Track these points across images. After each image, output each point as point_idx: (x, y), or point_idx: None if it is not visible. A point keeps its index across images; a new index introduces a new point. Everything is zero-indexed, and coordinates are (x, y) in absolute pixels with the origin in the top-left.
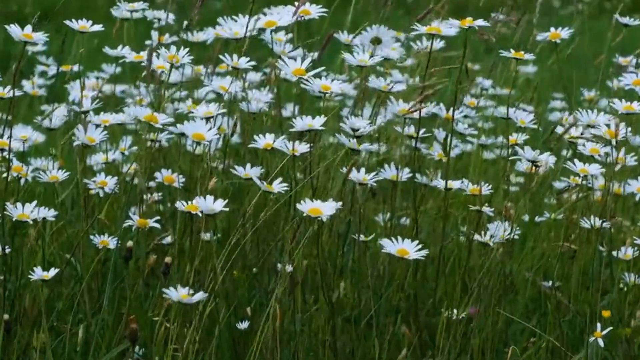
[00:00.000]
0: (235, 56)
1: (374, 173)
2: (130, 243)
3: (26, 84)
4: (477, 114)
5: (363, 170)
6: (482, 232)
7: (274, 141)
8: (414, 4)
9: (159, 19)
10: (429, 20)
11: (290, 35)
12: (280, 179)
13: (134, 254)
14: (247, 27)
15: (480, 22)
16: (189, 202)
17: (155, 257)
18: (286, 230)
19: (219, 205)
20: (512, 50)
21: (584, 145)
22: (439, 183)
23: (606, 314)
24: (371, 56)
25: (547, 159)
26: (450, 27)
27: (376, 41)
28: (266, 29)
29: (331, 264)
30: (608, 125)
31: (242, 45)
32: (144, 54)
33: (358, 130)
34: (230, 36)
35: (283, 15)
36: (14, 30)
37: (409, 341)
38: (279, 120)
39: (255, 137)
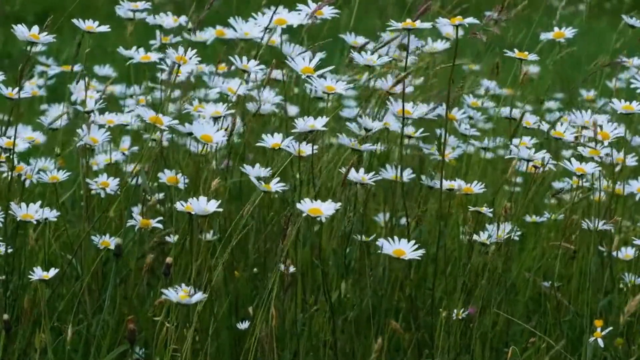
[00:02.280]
0: (245, 58)
1: (372, 172)
2: (119, 240)
3: (26, 84)
4: (481, 115)
5: (362, 170)
6: (482, 232)
7: (282, 141)
8: (414, 4)
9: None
10: (432, 18)
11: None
12: (278, 179)
13: (135, 254)
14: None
15: (471, 20)
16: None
17: (154, 257)
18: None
19: (212, 206)
20: (515, 51)
21: (583, 146)
22: (437, 183)
23: (599, 323)
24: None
25: (544, 158)
26: (444, 25)
27: (402, 48)
28: (276, 27)
29: (332, 264)
30: (601, 127)
31: (253, 47)
32: (151, 55)
33: (371, 130)
34: (240, 36)
35: (287, 15)
36: (20, 30)
37: (409, 338)
38: (286, 120)
39: (263, 136)
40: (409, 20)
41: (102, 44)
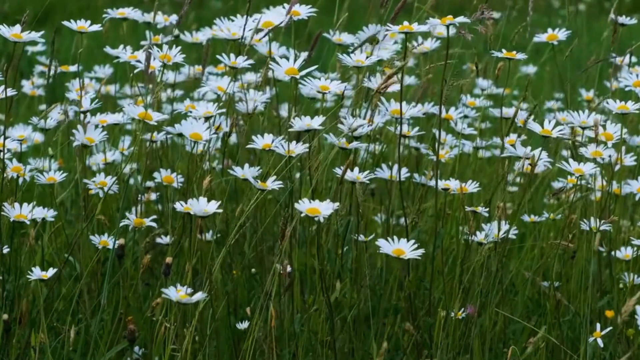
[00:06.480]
0: (232, 55)
1: (367, 172)
2: (122, 240)
3: (26, 84)
4: (477, 113)
5: (357, 169)
6: (479, 232)
7: (273, 141)
8: (410, 4)
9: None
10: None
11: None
12: (274, 177)
13: (133, 254)
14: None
15: (461, 19)
16: (187, 202)
17: (152, 257)
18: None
19: (212, 206)
20: (503, 50)
21: (585, 147)
22: (431, 182)
23: (610, 314)
24: (368, 56)
25: (539, 155)
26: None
27: (373, 40)
28: (263, 29)
29: (330, 264)
30: (604, 127)
31: (240, 46)
32: (138, 54)
33: (356, 130)
34: (227, 37)
35: (272, 16)
36: (3, 30)
37: (408, 338)
38: (277, 120)
39: (253, 137)
40: (406, 24)
41: (102, 44)
